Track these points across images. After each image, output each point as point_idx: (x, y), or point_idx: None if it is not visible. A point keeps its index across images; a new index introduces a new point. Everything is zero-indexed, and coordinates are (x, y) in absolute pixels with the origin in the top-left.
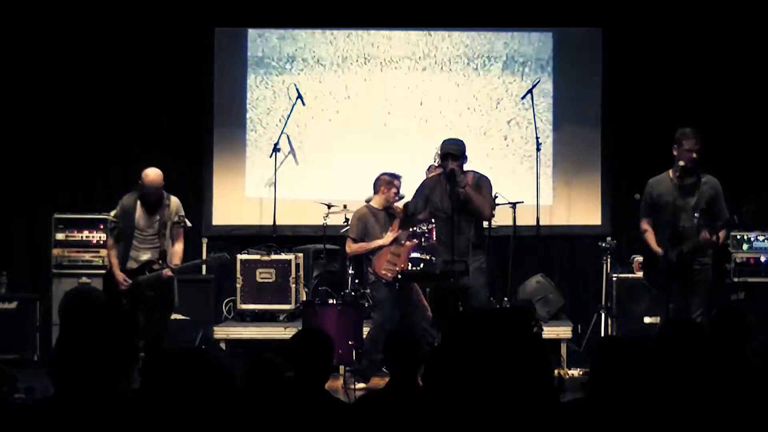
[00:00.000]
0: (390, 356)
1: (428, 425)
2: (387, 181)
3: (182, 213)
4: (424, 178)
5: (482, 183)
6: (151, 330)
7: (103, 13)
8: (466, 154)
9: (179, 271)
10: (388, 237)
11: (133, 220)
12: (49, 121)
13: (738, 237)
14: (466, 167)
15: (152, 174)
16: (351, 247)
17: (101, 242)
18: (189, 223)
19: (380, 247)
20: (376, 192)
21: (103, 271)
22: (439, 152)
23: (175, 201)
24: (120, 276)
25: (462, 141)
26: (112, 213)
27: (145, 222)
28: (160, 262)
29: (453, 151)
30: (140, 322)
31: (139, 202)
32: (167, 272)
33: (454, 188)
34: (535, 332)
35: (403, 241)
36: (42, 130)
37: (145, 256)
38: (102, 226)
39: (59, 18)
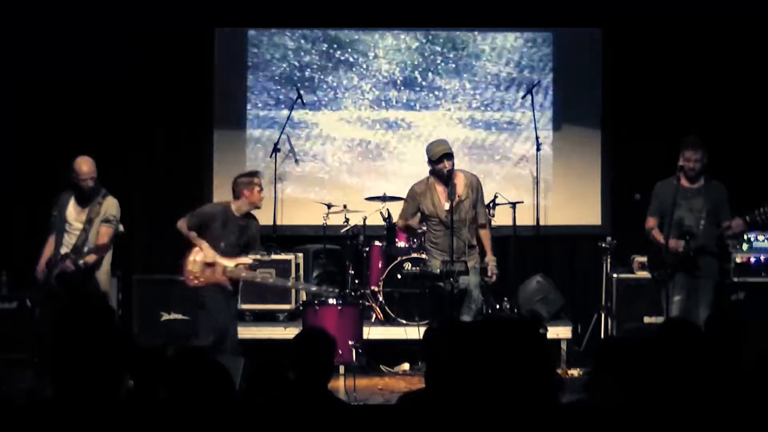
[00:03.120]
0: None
1: (433, 425)
2: (246, 183)
3: (115, 213)
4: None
5: (474, 184)
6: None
7: (103, 12)
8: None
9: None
10: (220, 259)
11: (65, 212)
12: (48, 121)
13: (738, 238)
14: (462, 167)
15: (84, 163)
16: (179, 224)
17: None
18: (122, 228)
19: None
20: (237, 198)
21: None
22: (427, 156)
23: (111, 201)
24: (40, 266)
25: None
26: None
27: (74, 215)
28: (72, 255)
29: (450, 151)
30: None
31: (73, 196)
32: (69, 263)
33: (453, 189)
34: (542, 333)
35: (243, 274)
36: (42, 130)
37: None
38: None
39: (59, 18)
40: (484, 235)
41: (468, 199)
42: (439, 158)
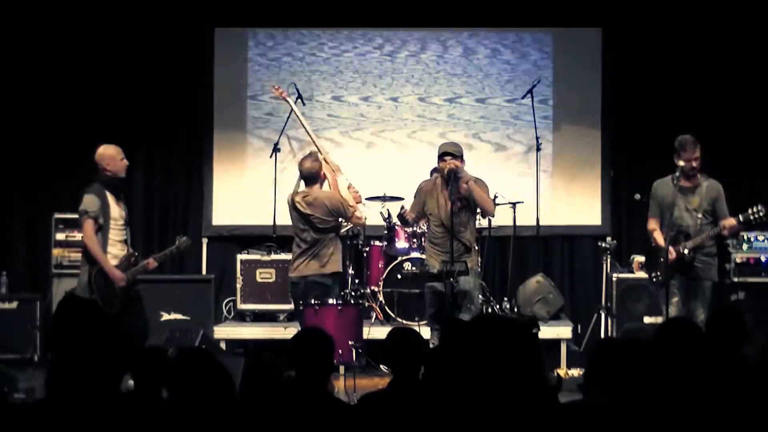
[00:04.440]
0: (393, 355)
1: (428, 425)
2: (111, 156)
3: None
4: (425, 179)
5: (479, 182)
6: (141, 328)
7: (103, 13)
8: (464, 158)
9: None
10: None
11: (109, 210)
12: (49, 121)
13: (738, 237)
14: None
15: (118, 153)
16: None
17: None
18: None
19: None
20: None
21: None
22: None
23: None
24: (117, 273)
25: (460, 145)
26: (90, 206)
27: (117, 211)
28: (136, 254)
29: (452, 151)
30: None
31: (105, 191)
32: (152, 263)
33: (454, 188)
34: (534, 333)
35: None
36: (42, 130)
37: (122, 249)
38: None
39: (60, 18)
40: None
41: (470, 199)
42: (440, 156)
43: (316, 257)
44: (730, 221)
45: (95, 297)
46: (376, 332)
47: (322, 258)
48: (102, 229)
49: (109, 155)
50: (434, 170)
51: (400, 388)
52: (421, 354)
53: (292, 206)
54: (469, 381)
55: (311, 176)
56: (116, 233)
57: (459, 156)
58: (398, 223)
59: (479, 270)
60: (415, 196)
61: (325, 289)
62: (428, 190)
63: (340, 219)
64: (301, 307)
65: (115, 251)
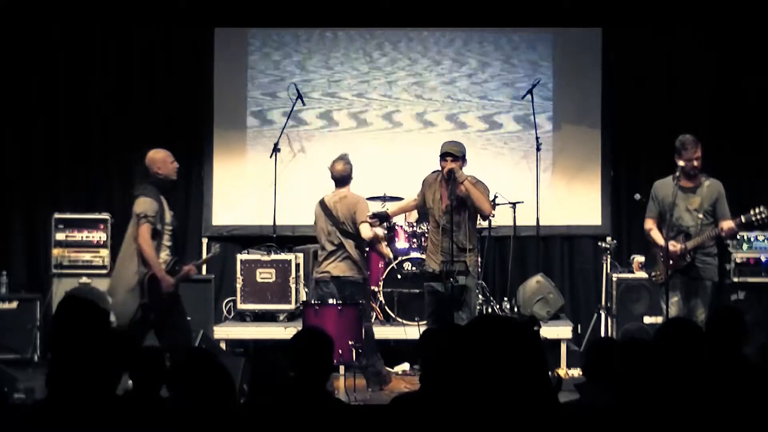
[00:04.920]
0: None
1: (428, 425)
2: (161, 159)
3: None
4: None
5: (479, 184)
6: (187, 329)
7: (103, 12)
8: (466, 157)
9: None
10: None
11: (164, 215)
12: (49, 121)
13: (738, 237)
14: (464, 170)
15: (168, 155)
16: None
17: (101, 242)
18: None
19: None
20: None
21: (103, 272)
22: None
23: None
24: (169, 279)
25: (462, 144)
26: (149, 210)
27: (169, 216)
28: (177, 259)
29: (453, 151)
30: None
31: (160, 195)
32: (194, 269)
33: (453, 188)
34: (536, 330)
35: None
36: (42, 130)
37: (169, 255)
38: (102, 226)
39: (59, 18)
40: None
41: (468, 200)
42: (442, 155)
43: (345, 259)
44: (728, 224)
45: (145, 300)
46: (377, 332)
47: (350, 262)
48: (157, 235)
49: (160, 159)
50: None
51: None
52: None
53: (322, 206)
54: (471, 382)
55: (342, 178)
56: (167, 239)
57: (461, 156)
58: (398, 223)
59: (479, 270)
60: (421, 187)
61: (359, 287)
62: (430, 182)
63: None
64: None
65: (164, 256)
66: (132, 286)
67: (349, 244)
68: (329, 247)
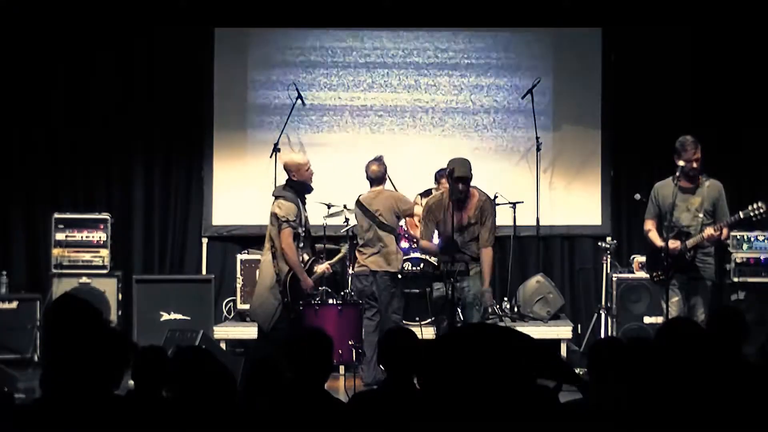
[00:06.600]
0: (387, 355)
1: (424, 425)
2: (297, 165)
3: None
4: (430, 188)
5: (486, 207)
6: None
7: (103, 12)
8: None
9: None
10: None
11: (302, 217)
12: (49, 121)
13: (738, 237)
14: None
15: (302, 158)
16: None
17: (101, 242)
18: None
19: None
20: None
21: (103, 272)
22: (447, 168)
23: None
24: (310, 282)
25: (469, 161)
26: (290, 214)
27: (305, 219)
28: (313, 260)
29: (467, 176)
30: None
31: (297, 198)
32: (329, 269)
33: (463, 212)
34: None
35: None
36: (42, 130)
37: (305, 256)
38: (102, 226)
39: (60, 18)
40: (485, 257)
41: (476, 224)
42: (456, 179)
43: (381, 254)
44: (709, 231)
45: (287, 300)
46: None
47: (387, 256)
48: (297, 237)
49: (295, 165)
50: (438, 173)
51: (392, 389)
52: (414, 355)
53: (358, 204)
54: (466, 382)
55: (377, 178)
56: (305, 241)
57: (471, 178)
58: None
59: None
60: (424, 220)
61: (396, 282)
62: (437, 207)
63: (398, 216)
64: (359, 300)
65: (305, 257)
66: (272, 285)
67: (386, 239)
68: (368, 242)
